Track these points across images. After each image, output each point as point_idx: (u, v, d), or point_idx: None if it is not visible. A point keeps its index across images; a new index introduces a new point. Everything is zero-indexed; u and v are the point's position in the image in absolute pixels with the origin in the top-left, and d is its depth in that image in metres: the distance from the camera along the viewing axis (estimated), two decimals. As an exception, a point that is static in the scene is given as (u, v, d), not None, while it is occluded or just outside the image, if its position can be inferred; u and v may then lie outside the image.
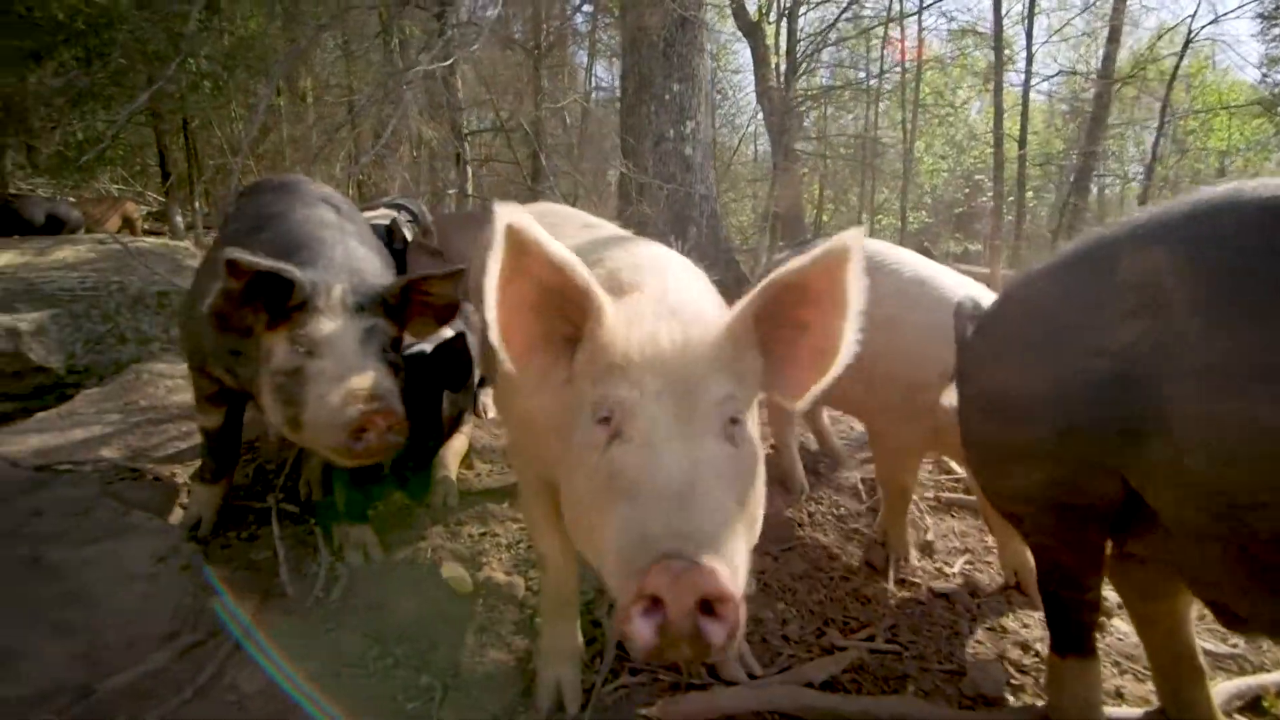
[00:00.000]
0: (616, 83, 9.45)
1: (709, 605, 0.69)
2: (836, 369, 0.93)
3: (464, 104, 6.71)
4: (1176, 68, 9.65)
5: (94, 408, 2.67)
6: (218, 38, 7.91)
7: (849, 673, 1.54)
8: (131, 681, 1.37)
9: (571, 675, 1.39)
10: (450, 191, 6.99)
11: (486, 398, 3.00)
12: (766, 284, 0.89)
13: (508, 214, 0.83)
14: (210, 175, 8.56)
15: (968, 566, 2.14)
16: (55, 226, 6.52)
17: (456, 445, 2.38)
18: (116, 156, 9.13)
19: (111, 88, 7.18)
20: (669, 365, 0.85)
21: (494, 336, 0.88)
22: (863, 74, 12.43)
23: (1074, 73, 12.25)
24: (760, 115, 10.34)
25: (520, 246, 0.85)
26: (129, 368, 3.06)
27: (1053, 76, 11.50)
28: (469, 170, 6.57)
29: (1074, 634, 1.30)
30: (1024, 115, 8.40)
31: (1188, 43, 9.53)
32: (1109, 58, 9.81)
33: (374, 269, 1.69)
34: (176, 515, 1.98)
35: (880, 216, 12.58)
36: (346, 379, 1.39)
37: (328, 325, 1.46)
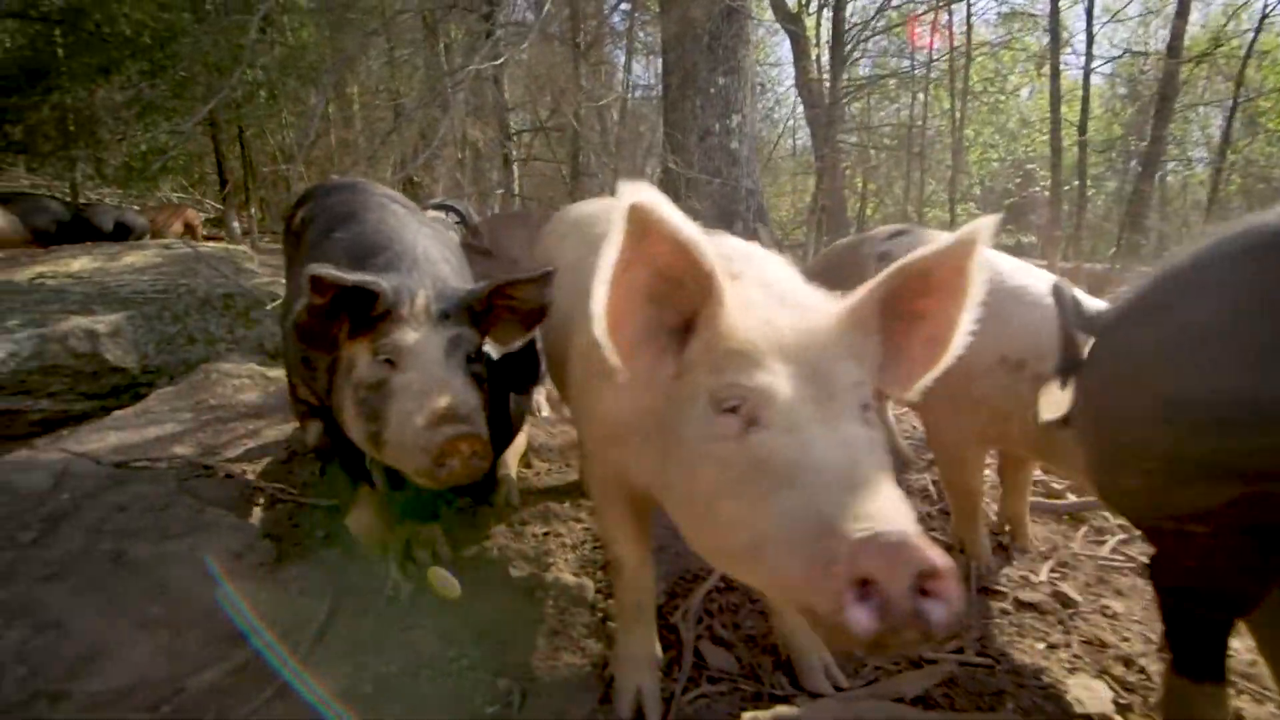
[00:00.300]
0: (654, 80, 9.40)
1: (920, 586, 0.64)
2: (948, 360, 0.92)
3: (509, 104, 6.75)
4: (1252, 45, 9.04)
5: (167, 406, 2.76)
6: (269, 48, 8.17)
7: (941, 687, 1.45)
8: (216, 678, 1.39)
9: (651, 683, 1.34)
10: (498, 191, 7.05)
11: (539, 396, 2.99)
12: (893, 270, 0.86)
13: (633, 192, 0.77)
14: (265, 182, 8.85)
15: (1055, 575, 2.01)
16: (123, 233, 6.86)
17: (516, 444, 2.37)
18: (177, 165, 9.56)
19: (173, 100, 7.51)
20: (797, 350, 0.82)
21: (599, 330, 0.84)
22: (907, 63, 12.04)
23: (1141, 53, 11.52)
24: (800, 108, 10.15)
25: (643, 228, 0.80)
26: (198, 367, 3.16)
27: (1118, 58, 10.73)
28: (515, 170, 6.61)
29: (1212, 659, 1.18)
30: (1085, 100, 7.96)
31: (1264, 17, 8.92)
32: (1176, 35, 9.21)
33: (453, 272, 1.63)
34: (254, 514, 2.01)
35: (927, 209, 12.19)
36: (431, 396, 1.30)
37: (411, 335, 1.37)
